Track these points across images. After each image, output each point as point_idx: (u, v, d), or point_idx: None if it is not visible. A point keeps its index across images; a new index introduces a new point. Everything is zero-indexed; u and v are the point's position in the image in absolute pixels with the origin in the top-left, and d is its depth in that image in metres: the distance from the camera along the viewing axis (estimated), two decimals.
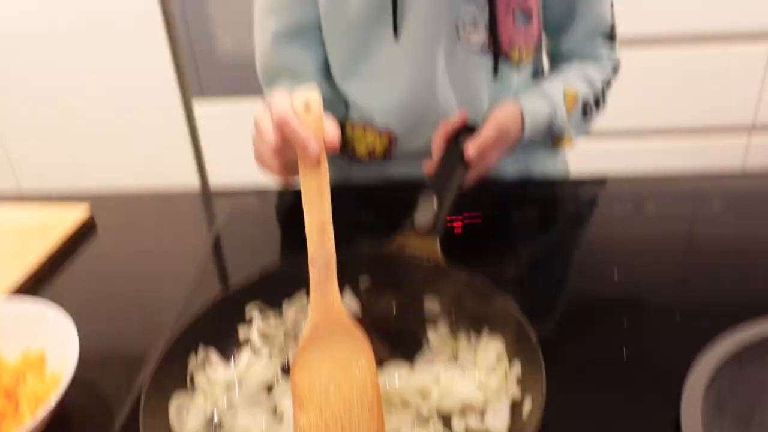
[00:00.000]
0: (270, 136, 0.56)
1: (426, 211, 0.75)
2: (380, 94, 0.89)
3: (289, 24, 0.89)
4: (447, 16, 0.83)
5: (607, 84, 0.95)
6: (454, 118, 0.83)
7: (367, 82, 0.89)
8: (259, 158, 0.65)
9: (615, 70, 0.96)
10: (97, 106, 2.25)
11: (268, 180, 0.76)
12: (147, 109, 2.25)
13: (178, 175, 2.35)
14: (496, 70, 0.86)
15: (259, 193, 1.01)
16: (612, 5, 0.93)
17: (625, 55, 1.00)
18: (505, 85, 0.88)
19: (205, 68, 2.20)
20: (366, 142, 0.94)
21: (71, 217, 0.92)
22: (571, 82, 0.91)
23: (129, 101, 2.24)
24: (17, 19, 2.12)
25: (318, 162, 0.53)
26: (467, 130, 0.83)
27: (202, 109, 2.25)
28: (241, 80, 2.20)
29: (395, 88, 0.87)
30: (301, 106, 0.54)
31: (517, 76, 0.89)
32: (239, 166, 2.05)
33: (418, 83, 0.86)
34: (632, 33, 1.97)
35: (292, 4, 0.88)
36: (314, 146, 0.52)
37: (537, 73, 0.95)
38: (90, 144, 2.32)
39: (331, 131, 0.54)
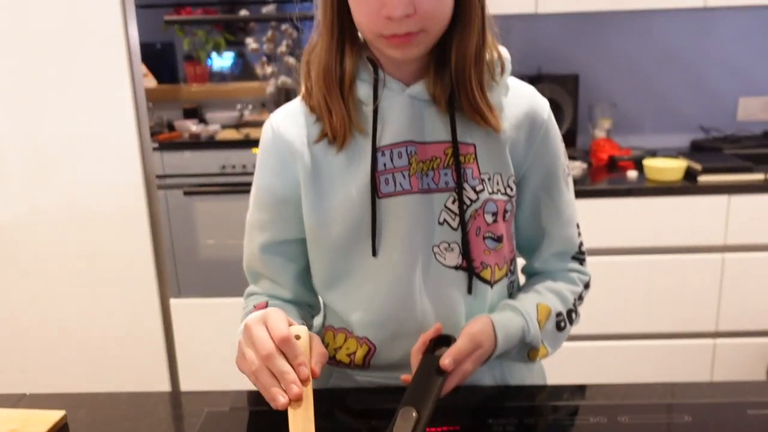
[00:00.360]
0: (269, 344, 0.67)
1: (405, 422, 0.76)
2: (360, 306, 0.93)
3: (275, 238, 0.96)
4: (422, 239, 0.90)
5: (579, 299, 1.00)
6: (431, 330, 0.86)
7: (347, 294, 0.94)
8: (241, 363, 0.74)
9: (586, 286, 1.02)
10: (74, 307, 2.27)
11: (242, 383, 0.79)
12: (123, 308, 2.26)
13: (152, 376, 2.30)
14: (470, 288, 0.92)
15: (235, 396, 1.00)
16: (578, 227, 1.02)
17: (595, 263, 1.07)
18: (479, 300, 0.93)
19: (184, 269, 2.26)
20: (346, 350, 0.96)
21: (47, 419, 0.91)
22: (543, 298, 0.96)
23: (107, 300, 2.26)
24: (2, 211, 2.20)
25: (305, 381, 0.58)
26: (443, 341, 0.87)
27: (178, 307, 2.28)
28: (219, 281, 2.25)
29: (374, 302, 0.92)
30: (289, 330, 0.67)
31: (491, 292, 0.94)
32: (213, 367, 2.06)
33: (397, 298, 0.91)
34: (599, 244, 2.11)
35: (280, 223, 0.95)
36: (306, 371, 0.63)
37: (512, 288, 1.01)
38: (64, 345, 2.29)
39: (315, 363, 0.67)
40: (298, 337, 0.72)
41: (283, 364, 0.69)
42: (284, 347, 0.70)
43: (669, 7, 2.28)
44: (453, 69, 0.86)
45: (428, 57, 0.87)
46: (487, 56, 0.88)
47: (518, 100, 0.93)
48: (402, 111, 0.89)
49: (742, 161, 2.22)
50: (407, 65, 0.88)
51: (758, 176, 2.14)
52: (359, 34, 0.88)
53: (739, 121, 2.65)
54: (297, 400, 0.67)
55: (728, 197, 2.12)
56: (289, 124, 0.93)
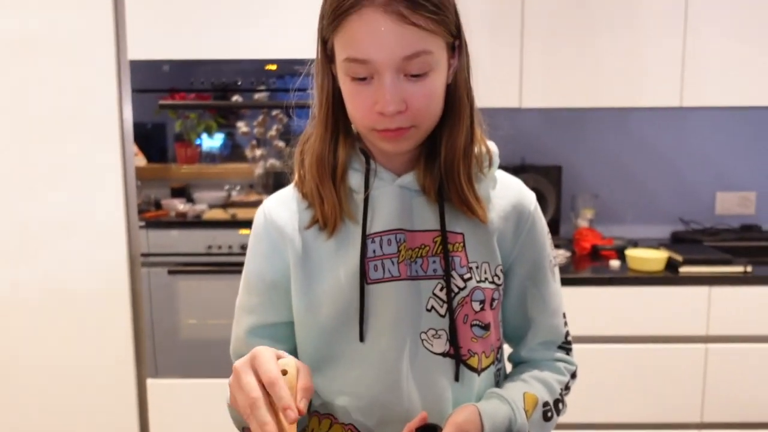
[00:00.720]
0: (256, 391, 0.69)
1: None
2: (347, 391, 0.92)
3: (263, 321, 0.96)
4: (410, 326, 0.90)
5: (566, 388, 1.00)
6: (417, 419, 0.85)
7: (334, 379, 0.93)
8: (234, 404, 0.74)
9: (573, 376, 1.02)
10: (49, 385, 2.21)
11: None
12: (99, 387, 2.21)
13: None
14: (457, 375, 0.91)
15: None
16: (565, 316, 1.02)
17: (579, 351, 1.07)
18: (467, 387, 0.92)
19: (163, 348, 2.22)
20: None
21: None
22: (530, 387, 0.95)
23: (83, 378, 2.21)
24: None
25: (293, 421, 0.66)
26: (429, 430, 0.86)
27: (154, 387, 2.22)
28: (198, 362, 2.21)
29: (361, 387, 0.91)
30: (279, 370, 0.71)
31: (478, 380, 0.94)
32: None
33: (384, 384, 0.90)
34: (583, 332, 2.11)
35: (269, 307, 0.95)
36: (293, 415, 0.67)
37: (499, 376, 1.00)
38: (36, 424, 2.22)
39: (299, 400, 0.71)
40: (285, 372, 0.73)
41: (264, 415, 0.69)
42: (271, 390, 0.70)
43: (646, 106, 2.37)
44: (442, 161, 0.89)
45: (419, 149, 0.90)
46: (476, 150, 0.91)
47: (506, 192, 0.96)
48: (392, 200, 0.91)
49: (721, 253, 2.26)
50: (398, 156, 0.91)
51: (738, 268, 2.18)
52: (353, 127, 0.91)
53: (717, 215, 2.72)
54: None
55: (709, 288, 2.15)
56: (282, 210, 0.95)
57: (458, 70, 0.87)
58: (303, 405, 0.73)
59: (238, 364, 0.74)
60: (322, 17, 0.84)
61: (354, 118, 0.87)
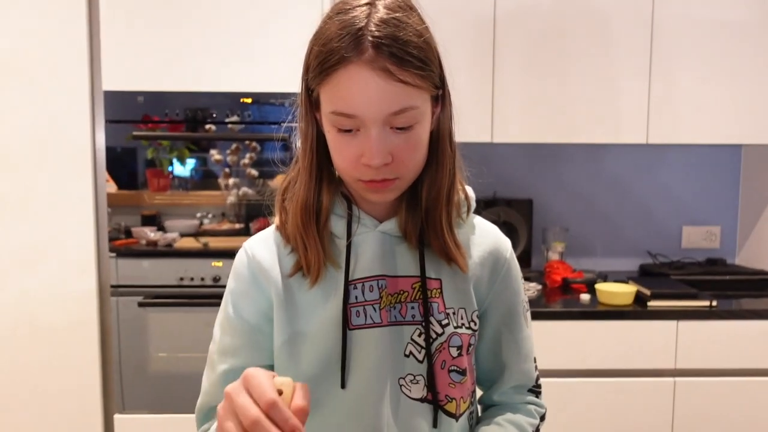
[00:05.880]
0: (254, 410, 0.62)
1: None
2: None
3: (242, 364, 0.92)
4: (390, 371, 0.90)
5: (537, 430, 1.01)
6: None
7: (317, 425, 0.91)
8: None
9: (542, 418, 1.03)
10: (12, 419, 2.15)
11: None
12: (65, 422, 2.15)
13: None
14: (435, 421, 0.92)
15: None
16: (535, 360, 1.04)
17: (548, 384, 1.08)
18: (445, 431, 0.93)
19: (131, 382, 2.18)
20: None
21: None
22: (505, 430, 0.96)
23: (48, 413, 2.15)
24: None
25: None
26: None
27: (122, 422, 2.18)
28: (167, 396, 2.17)
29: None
30: (275, 389, 0.64)
31: (456, 426, 0.94)
32: None
33: (365, 429, 0.90)
34: (553, 365, 2.13)
35: (253, 349, 0.93)
36: None
37: (471, 419, 1.01)
38: None
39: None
40: (280, 392, 0.66)
41: (270, 427, 0.62)
42: (271, 413, 0.63)
43: (614, 142, 2.43)
44: (423, 208, 0.90)
45: (401, 195, 0.91)
46: (455, 197, 0.93)
47: (483, 239, 0.97)
48: (374, 246, 0.92)
49: (688, 287, 2.31)
50: (381, 203, 0.92)
51: (704, 302, 2.22)
52: (335, 171, 0.92)
53: (684, 248, 2.78)
54: None
55: (677, 322, 2.19)
56: (264, 251, 0.94)
57: (441, 118, 0.89)
58: (301, 427, 0.65)
59: (229, 387, 0.67)
60: (307, 68, 0.84)
61: (339, 168, 0.87)
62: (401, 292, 0.92)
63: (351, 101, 0.78)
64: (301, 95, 0.88)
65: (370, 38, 0.77)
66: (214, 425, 0.83)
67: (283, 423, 0.62)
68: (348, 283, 0.90)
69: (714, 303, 2.23)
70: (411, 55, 0.78)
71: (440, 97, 0.88)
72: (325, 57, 0.79)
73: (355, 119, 0.79)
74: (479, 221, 0.99)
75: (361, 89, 0.78)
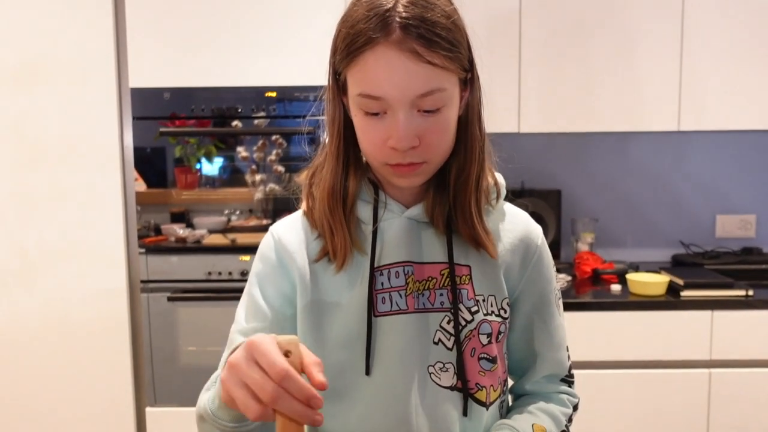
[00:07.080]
0: (270, 388, 0.59)
1: None
2: (353, 427, 0.90)
3: None
4: (418, 359, 0.89)
5: (569, 421, 0.99)
6: None
7: (337, 416, 0.91)
8: (231, 403, 0.64)
9: (575, 408, 1.01)
10: (48, 413, 2.19)
11: None
12: (98, 416, 2.18)
13: None
14: (465, 409, 0.90)
15: None
16: (568, 350, 1.02)
17: (580, 376, 1.06)
18: (475, 422, 0.91)
19: (162, 376, 2.20)
20: None
21: None
22: (538, 419, 0.94)
23: (82, 407, 2.18)
24: None
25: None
26: None
27: (154, 416, 2.20)
28: (198, 390, 2.18)
29: (369, 422, 0.89)
30: (281, 352, 0.61)
31: (486, 414, 0.93)
32: None
33: (392, 418, 0.89)
34: (584, 357, 2.10)
35: (268, 333, 0.91)
36: (320, 402, 0.59)
37: (502, 408, 1.00)
38: None
39: (317, 374, 0.62)
40: (288, 354, 0.62)
41: (292, 402, 0.59)
42: (285, 385, 0.59)
43: (645, 130, 2.38)
44: (451, 193, 0.89)
45: (428, 180, 0.90)
46: (484, 183, 0.91)
47: (513, 226, 0.95)
48: (401, 232, 0.91)
49: (723, 277, 2.26)
50: (408, 188, 0.91)
51: (739, 292, 2.17)
52: (363, 156, 0.91)
53: (718, 238, 2.72)
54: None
55: (711, 312, 2.14)
56: (291, 234, 0.93)
57: (470, 102, 0.87)
58: (322, 377, 0.62)
59: (233, 357, 0.63)
60: (334, 51, 0.83)
61: (366, 152, 0.86)
62: (429, 279, 0.90)
63: (378, 83, 0.77)
64: (329, 79, 0.87)
65: (398, 19, 0.76)
66: (215, 387, 0.82)
67: (298, 393, 0.60)
68: (374, 269, 0.89)
69: (750, 292, 2.17)
70: (439, 36, 0.77)
71: (469, 81, 0.86)
72: (353, 39, 0.78)
73: (382, 101, 0.78)
74: (509, 207, 0.98)
75: (388, 71, 0.76)
